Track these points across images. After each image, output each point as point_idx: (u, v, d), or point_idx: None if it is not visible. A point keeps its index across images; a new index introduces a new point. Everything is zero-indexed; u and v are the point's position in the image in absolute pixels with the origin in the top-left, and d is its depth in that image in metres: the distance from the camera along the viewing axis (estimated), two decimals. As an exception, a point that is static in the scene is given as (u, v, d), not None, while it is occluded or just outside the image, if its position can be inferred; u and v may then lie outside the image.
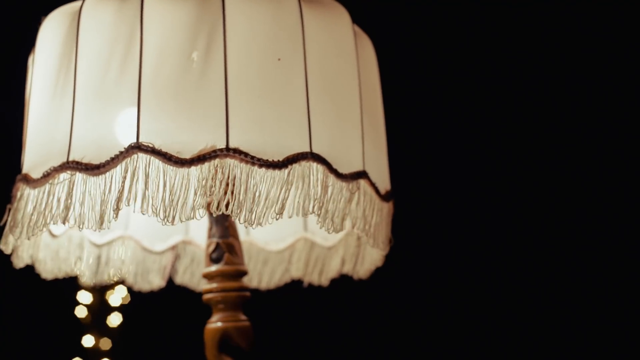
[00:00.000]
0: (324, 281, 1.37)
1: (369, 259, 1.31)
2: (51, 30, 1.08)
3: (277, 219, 0.95)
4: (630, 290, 1.62)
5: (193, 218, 0.95)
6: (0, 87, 1.60)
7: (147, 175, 0.95)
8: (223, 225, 1.17)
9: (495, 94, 1.74)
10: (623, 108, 1.69)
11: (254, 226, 0.95)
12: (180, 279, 1.40)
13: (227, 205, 0.95)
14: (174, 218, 0.94)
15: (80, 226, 0.97)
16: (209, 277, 1.17)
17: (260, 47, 1.01)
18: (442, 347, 1.69)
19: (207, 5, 1.00)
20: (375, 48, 1.22)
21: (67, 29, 1.06)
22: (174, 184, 0.95)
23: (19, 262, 1.20)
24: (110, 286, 1.62)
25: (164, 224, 0.94)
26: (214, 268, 1.16)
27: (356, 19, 1.14)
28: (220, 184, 0.95)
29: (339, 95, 1.07)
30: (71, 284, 1.41)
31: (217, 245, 1.17)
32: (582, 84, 1.71)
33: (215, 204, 0.95)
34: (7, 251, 1.09)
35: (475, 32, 1.73)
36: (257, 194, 0.96)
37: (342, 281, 1.37)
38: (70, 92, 1.02)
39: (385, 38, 1.32)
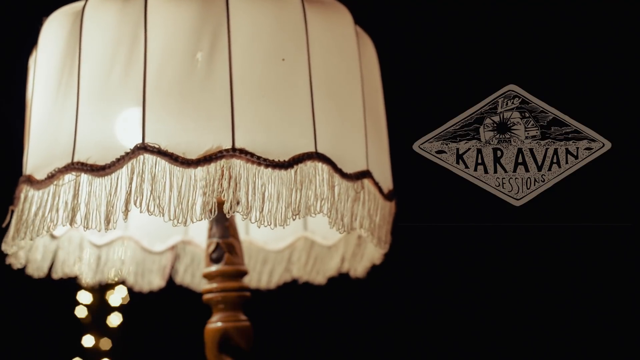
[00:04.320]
0: (322, 280, 1.37)
1: (368, 257, 1.31)
2: (53, 30, 1.08)
3: (293, 219, 0.95)
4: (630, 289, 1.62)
5: (202, 219, 0.95)
6: (0, 88, 1.60)
7: (153, 176, 0.96)
8: (223, 225, 1.17)
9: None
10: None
11: (271, 227, 0.96)
12: (181, 279, 1.40)
13: (236, 206, 0.95)
14: (183, 219, 0.95)
15: (86, 227, 0.97)
16: (209, 277, 1.17)
17: (264, 48, 1.01)
18: (443, 346, 1.69)
19: (211, 6, 1.01)
20: (377, 48, 1.22)
21: (70, 30, 1.06)
22: (181, 184, 0.95)
23: (17, 263, 1.20)
24: (110, 286, 1.62)
25: (174, 225, 0.95)
26: (214, 268, 1.16)
27: (358, 20, 1.15)
28: (229, 185, 0.96)
29: (342, 95, 1.07)
30: (71, 284, 1.40)
31: (217, 245, 1.17)
32: (582, 87, 1.71)
33: (227, 205, 0.95)
34: (10, 252, 1.09)
35: (477, 32, 1.73)
36: (265, 194, 0.96)
37: (342, 281, 1.37)
38: (74, 93, 1.02)
39: (387, 38, 1.32)
